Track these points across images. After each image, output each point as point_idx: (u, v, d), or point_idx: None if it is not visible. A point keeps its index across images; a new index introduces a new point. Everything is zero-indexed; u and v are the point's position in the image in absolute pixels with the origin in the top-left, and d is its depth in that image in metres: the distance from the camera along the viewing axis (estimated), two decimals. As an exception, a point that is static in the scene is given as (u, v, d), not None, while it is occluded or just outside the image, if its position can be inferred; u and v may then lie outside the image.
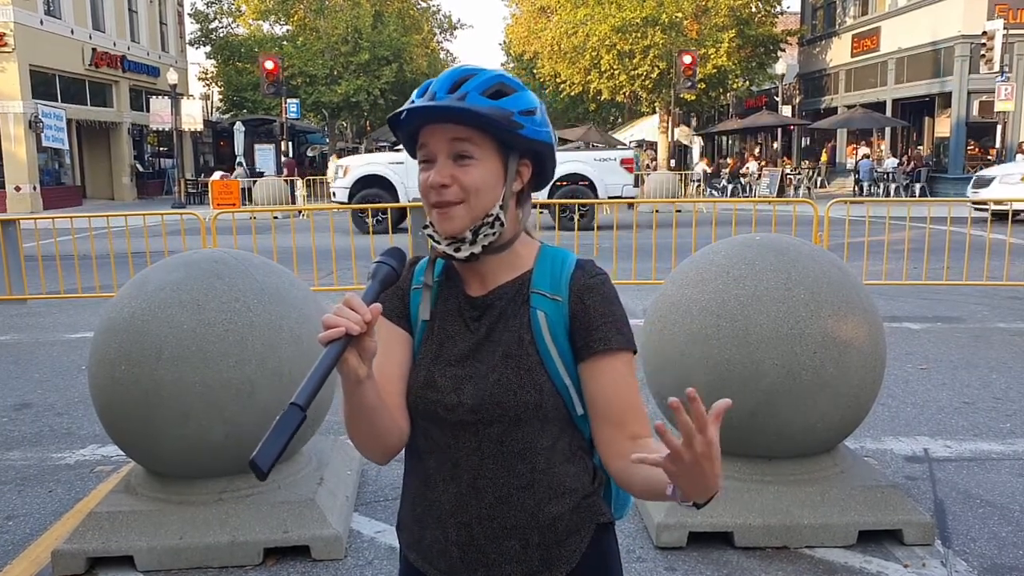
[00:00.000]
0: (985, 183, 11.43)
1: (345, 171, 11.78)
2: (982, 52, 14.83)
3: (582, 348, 0.93)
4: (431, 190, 0.91)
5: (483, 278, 0.97)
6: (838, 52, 21.67)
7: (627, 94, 22.33)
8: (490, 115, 0.88)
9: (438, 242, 0.93)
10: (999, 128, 14.87)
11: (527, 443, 0.93)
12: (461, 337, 0.96)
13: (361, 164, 12.01)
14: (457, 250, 0.92)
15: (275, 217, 10.35)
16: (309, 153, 29.00)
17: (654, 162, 20.78)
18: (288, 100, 20.96)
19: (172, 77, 20.83)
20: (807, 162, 19.85)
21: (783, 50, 22.16)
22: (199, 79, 28.62)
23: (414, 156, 0.95)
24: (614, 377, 0.92)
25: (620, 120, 30.01)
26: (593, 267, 0.96)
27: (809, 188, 18.05)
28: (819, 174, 19.50)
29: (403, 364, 0.97)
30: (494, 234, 0.92)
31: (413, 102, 0.91)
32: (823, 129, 21.05)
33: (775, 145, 21.19)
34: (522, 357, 0.92)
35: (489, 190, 0.91)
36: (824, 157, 21.25)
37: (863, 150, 19.55)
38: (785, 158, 21.24)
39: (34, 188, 17.86)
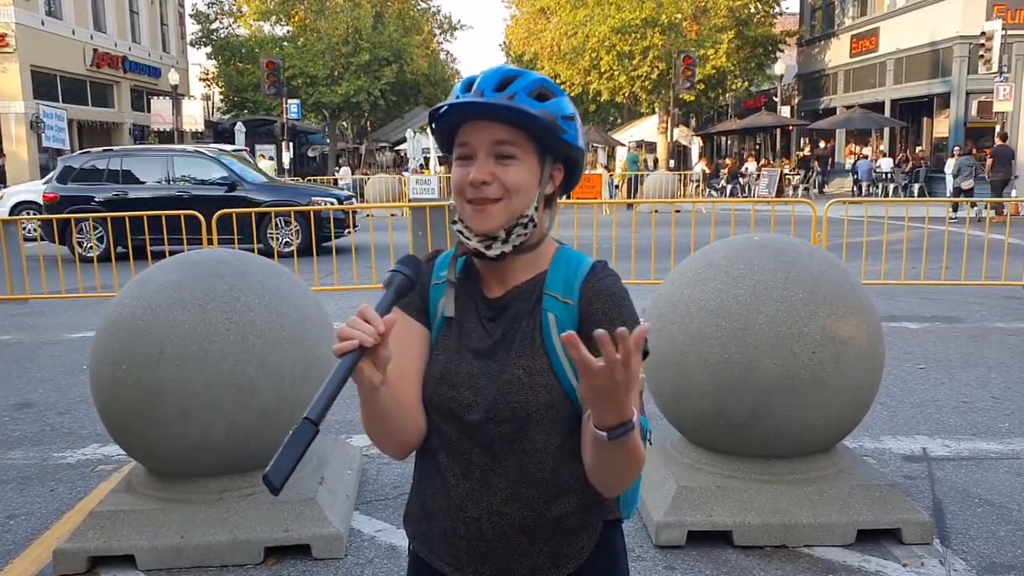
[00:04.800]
0: None
1: None
2: (981, 52, 14.83)
3: (588, 348, 0.93)
4: (470, 187, 0.91)
5: (503, 278, 0.97)
6: (837, 53, 21.67)
7: (627, 95, 22.36)
8: (540, 117, 0.89)
9: (468, 238, 0.94)
10: (997, 129, 14.88)
11: (538, 442, 0.94)
12: (477, 336, 0.97)
13: None
14: (488, 247, 0.93)
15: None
16: (310, 153, 29.01)
17: (646, 162, 20.77)
18: (289, 100, 20.99)
19: (173, 78, 20.86)
20: (798, 155, 19.86)
21: (782, 51, 22.17)
22: (200, 80, 28.63)
23: (446, 151, 0.96)
24: None
25: (620, 121, 30.04)
26: (604, 269, 0.96)
27: (807, 189, 18.06)
28: (817, 174, 19.53)
29: (420, 360, 0.98)
30: (526, 235, 0.93)
31: (457, 97, 0.91)
32: (822, 129, 21.06)
33: (802, 151, 20.94)
34: (534, 358, 0.93)
35: (527, 190, 0.92)
36: (802, 154, 21.19)
37: (866, 150, 19.57)
38: (784, 159, 21.25)
39: (35, 188, 17.85)
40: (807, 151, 20.24)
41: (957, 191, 12.93)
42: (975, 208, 11.02)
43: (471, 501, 0.96)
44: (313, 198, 9.11)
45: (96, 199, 9.02)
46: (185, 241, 7.13)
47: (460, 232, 0.95)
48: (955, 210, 11.10)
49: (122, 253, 8.02)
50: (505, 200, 0.91)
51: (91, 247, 8.71)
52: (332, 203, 8.98)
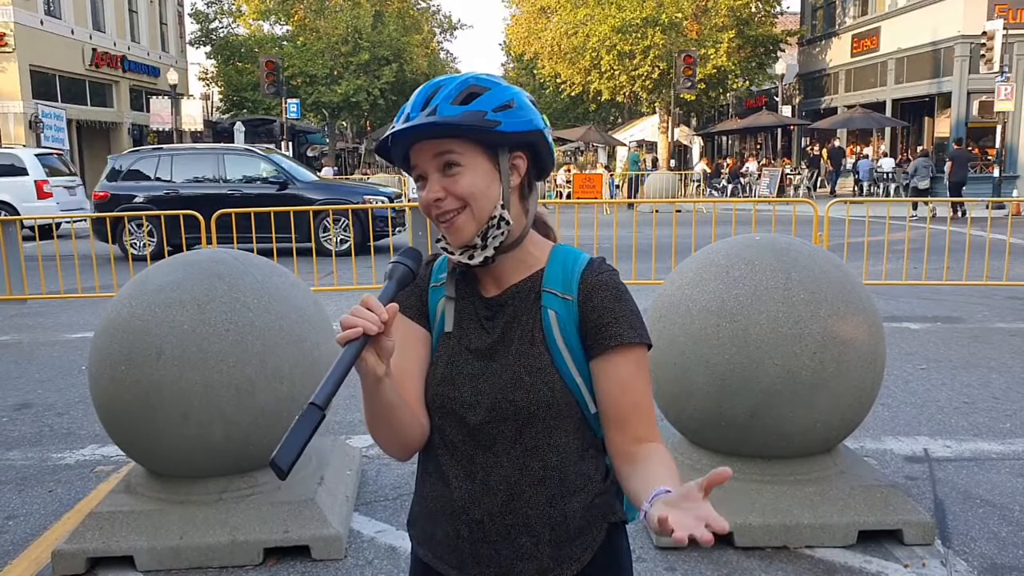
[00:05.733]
0: None
1: None
2: (982, 52, 14.80)
3: (592, 345, 0.93)
4: (431, 207, 0.93)
5: (497, 279, 0.98)
6: (838, 52, 21.65)
7: (627, 94, 22.34)
8: (461, 121, 0.88)
9: (452, 253, 0.95)
10: (999, 128, 14.87)
11: (540, 440, 0.94)
12: (477, 336, 0.97)
13: None
14: (471, 257, 0.93)
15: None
16: (309, 153, 29.03)
17: (647, 162, 20.73)
18: (288, 100, 20.97)
19: (172, 77, 20.84)
20: (811, 152, 19.80)
21: (783, 50, 22.15)
22: (199, 79, 28.62)
23: (411, 176, 0.97)
24: (622, 375, 0.93)
25: (620, 120, 30.03)
26: (602, 264, 0.96)
27: (809, 189, 18.04)
28: (820, 175, 19.49)
29: (422, 361, 0.99)
30: (502, 234, 0.93)
31: (394, 127, 0.92)
32: (823, 129, 21.03)
33: (812, 149, 20.61)
34: (534, 356, 0.93)
35: (484, 192, 0.91)
36: (825, 156, 21.15)
37: (867, 150, 19.53)
38: (785, 158, 21.22)
39: (34, 188, 17.84)
40: (817, 149, 20.02)
41: (915, 191, 13.70)
42: (932, 207, 11.88)
43: (473, 503, 0.95)
44: (365, 197, 9.06)
45: (139, 197, 8.96)
46: (257, 239, 7.09)
47: (444, 249, 0.96)
48: (951, 210, 11.57)
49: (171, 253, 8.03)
50: (467, 208, 0.91)
51: (142, 245, 8.69)
52: (384, 201, 8.94)
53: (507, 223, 0.92)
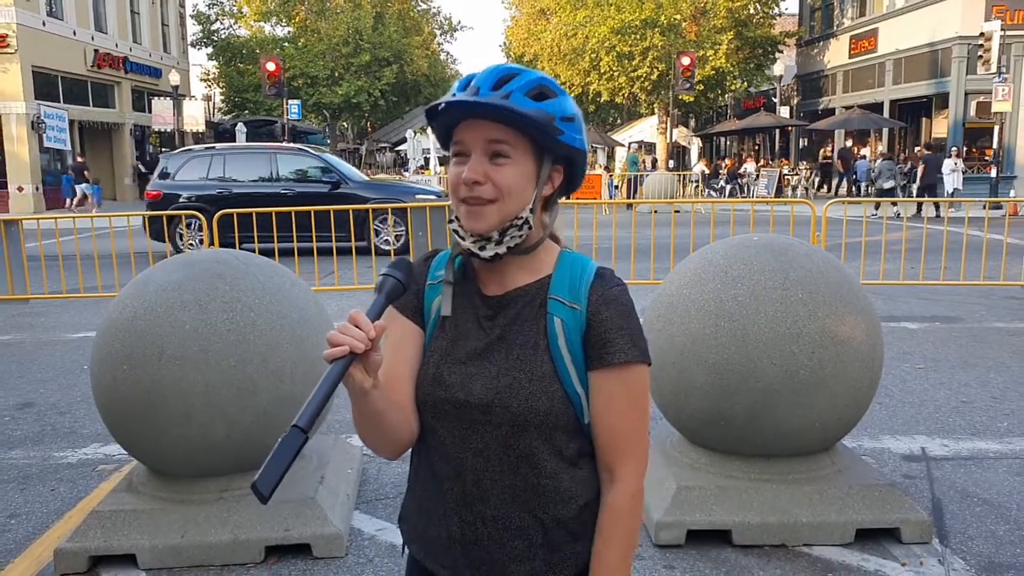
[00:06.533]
0: None
1: None
2: (979, 53, 14.84)
3: (595, 358, 0.92)
4: (463, 186, 0.90)
5: (501, 278, 0.96)
6: (836, 53, 21.67)
7: (626, 96, 22.36)
8: (533, 117, 0.87)
9: (463, 238, 0.93)
10: (996, 129, 14.91)
11: (534, 447, 0.93)
12: (473, 335, 0.95)
13: None
14: (482, 248, 0.92)
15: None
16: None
17: (645, 163, 20.72)
18: (289, 101, 20.98)
19: (174, 78, 20.85)
20: (805, 163, 19.82)
21: (781, 51, 22.18)
22: (201, 80, 28.65)
23: (446, 149, 0.94)
24: (614, 392, 0.92)
25: (619, 121, 30.05)
26: (612, 277, 0.95)
27: (807, 190, 18.06)
28: (817, 175, 19.47)
29: (414, 361, 0.97)
30: (520, 236, 0.92)
31: (454, 95, 0.90)
32: (821, 130, 21.04)
33: (829, 151, 20.52)
34: (536, 363, 0.92)
35: (520, 192, 0.90)
36: (830, 154, 21.05)
37: (864, 151, 19.55)
38: (783, 159, 21.23)
39: (36, 188, 17.90)
40: (829, 152, 19.91)
41: (879, 192, 14.10)
42: (896, 208, 12.67)
43: (465, 505, 0.95)
44: (418, 196, 9.06)
45: (183, 196, 8.99)
46: (300, 238, 7.13)
47: (456, 232, 0.94)
48: (908, 209, 12.03)
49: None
50: (498, 201, 0.89)
51: (192, 243, 8.75)
52: (432, 199, 8.96)
53: (529, 227, 0.92)
